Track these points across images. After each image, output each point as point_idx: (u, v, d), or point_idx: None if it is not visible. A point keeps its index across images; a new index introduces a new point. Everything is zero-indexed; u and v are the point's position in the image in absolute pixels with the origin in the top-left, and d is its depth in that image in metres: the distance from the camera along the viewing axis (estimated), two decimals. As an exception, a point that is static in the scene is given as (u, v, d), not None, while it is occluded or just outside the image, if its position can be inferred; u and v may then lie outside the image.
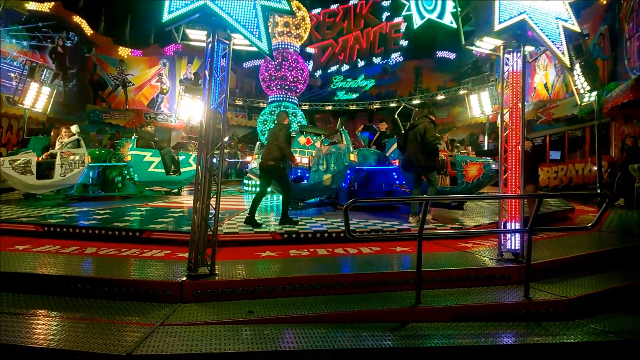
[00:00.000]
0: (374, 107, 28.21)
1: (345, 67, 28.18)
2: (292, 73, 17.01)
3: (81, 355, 3.40)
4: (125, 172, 12.07)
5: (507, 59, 5.74)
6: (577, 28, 5.79)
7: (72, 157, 10.42)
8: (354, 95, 29.03)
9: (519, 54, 5.61)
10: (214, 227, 4.94)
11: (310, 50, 27.53)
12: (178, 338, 3.63)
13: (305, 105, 27.02)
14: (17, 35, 16.59)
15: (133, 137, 12.14)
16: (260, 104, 26.09)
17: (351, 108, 28.82)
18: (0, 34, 8.37)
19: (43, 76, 13.99)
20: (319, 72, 28.37)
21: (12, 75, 15.79)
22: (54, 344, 3.50)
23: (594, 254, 6.18)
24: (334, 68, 28.28)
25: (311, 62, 27.43)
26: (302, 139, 10.19)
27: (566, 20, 5.66)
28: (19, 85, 13.88)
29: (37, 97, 13.75)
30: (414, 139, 7.91)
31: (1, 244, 6.39)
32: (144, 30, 24.55)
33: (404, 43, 26.61)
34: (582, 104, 13.30)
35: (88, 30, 21.16)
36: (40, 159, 10.20)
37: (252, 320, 4.09)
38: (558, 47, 5.53)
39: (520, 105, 5.57)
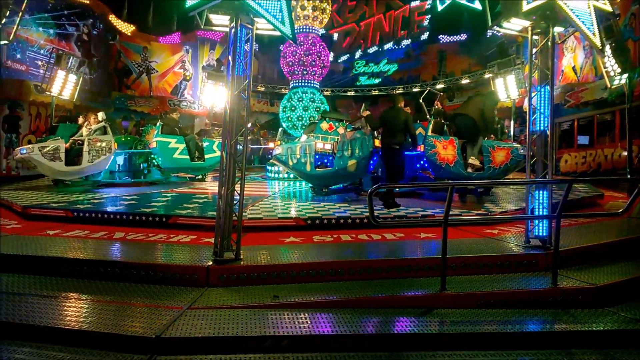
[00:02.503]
0: (397, 92, 27.87)
1: (367, 52, 27.88)
2: (313, 57, 16.91)
3: (112, 337, 3.49)
4: (151, 158, 12.23)
5: (535, 40, 5.60)
6: (608, 7, 5.59)
7: (99, 143, 10.60)
8: (377, 81, 28.73)
9: (547, 36, 5.46)
10: (238, 213, 4.98)
11: (332, 34, 27.32)
12: (205, 321, 3.69)
13: (327, 91, 26.85)
14: (44, 23, 16.83)
15: (158, 124, 12.27)
16: (283, 89, 26.03)
17: (373, 93, 28.54)
18: (19, 22, 8.52)
19: (69, 64, 14.19)
20: (341, 58, 28.14)
21: (40, 63, 16.04)
22: (86, 326, 3.60)
23: (624, 240, 6.05)
24: (356, 53, 28.01)
25: (333, 47, 27.26)
26: (324, 125, 10.16)
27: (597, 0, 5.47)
28: (46, 73, 14.11)
29: (64, 85, 13.97)
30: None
31: (33, 228, 6.58)
32: (167, 17, 24.67)
33: (427, 26, 26.16)
34: (612, 86, 12.93)
35: (112, 18, 21.34)
36: (67, 145, 10.40)
37: (277, 305, 4.13)
38: (588, 28, 5.35)
39: (549, 88, 5.43)
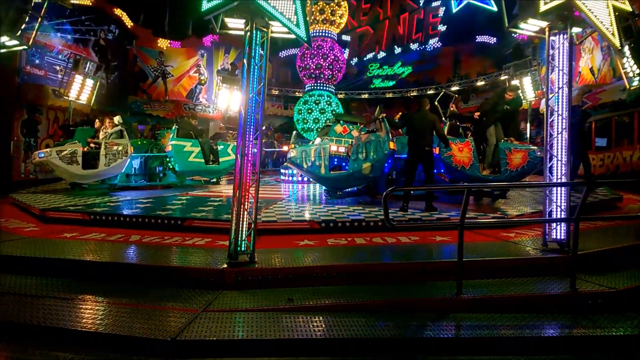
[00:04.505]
0: (411, 94, 27.70)
1: (381, 55, 27.81)
2: (328, 61, 16.92)
3: (128, 340, 3.51)
4: (167, 162, 12.32)
5: (553, 41, 5.52)
6: (628, 7, 5.51)
7: (115, 147, 10.71)
8: (391, 83, 28.55)
9: (565, 36, 5.39)
10: (253, 216, 4.99)
11: (346, 37, 27.30)
12: (220, 324, 3.69)
13: (341, 94, 26.81)
14: (62, 29, 17.08)
15: (173, 128, 12.36)
16: (297, 93, 26.06)
17: (388, 96, 28.36)
18: (38, 28, 8.65)
19: (86, 69, 14.40)
20: (354, 60, 28.10)
21: (58, 68, 16.26)
22: (102, 329, 3.63)
23: (644, 244, 5.92)
24: (370, 55, 27.96)
25: (347, 50, 27.25)
26: (338, 128, 10.14)
27: (616, -1, 5.38)
28: (64, 78, 14.33)
29: (82, 89, 14.17)
30: None
31: (50, 231, 6.66)
32: (182, 22, 24.85)
33: (442, 28, 26.01)
34: (631, 88, 12.70)
35: (128, 23, 21.56)
36: (85, 149, 10.52)
37: (292, 308, 4.12)
38: (607, 28, 5.27)
39: (567, 89, 5.36)
